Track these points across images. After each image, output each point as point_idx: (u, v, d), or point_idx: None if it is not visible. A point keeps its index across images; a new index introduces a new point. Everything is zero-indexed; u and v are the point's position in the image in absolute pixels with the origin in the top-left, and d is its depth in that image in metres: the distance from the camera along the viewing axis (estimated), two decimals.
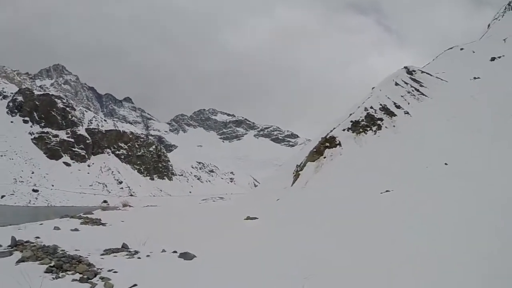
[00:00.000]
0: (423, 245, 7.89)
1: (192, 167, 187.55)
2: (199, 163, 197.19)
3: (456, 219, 9.62)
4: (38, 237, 10.33)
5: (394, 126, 33.17)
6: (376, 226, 10.46)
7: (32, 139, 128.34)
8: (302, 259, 8.09)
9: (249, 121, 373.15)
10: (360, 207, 15.24)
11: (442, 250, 7.44)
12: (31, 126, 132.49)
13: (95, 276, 7.07)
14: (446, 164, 23.08)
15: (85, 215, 17.62)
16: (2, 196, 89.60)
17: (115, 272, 7.35)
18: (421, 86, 40.00)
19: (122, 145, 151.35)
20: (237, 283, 6.89)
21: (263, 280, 6.95)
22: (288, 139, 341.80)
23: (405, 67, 44.12)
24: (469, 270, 6.30)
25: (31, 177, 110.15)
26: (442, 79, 42.04)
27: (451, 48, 60.55)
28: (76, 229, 12.85)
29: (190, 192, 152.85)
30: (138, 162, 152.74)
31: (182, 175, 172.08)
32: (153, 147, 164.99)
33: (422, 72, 43.61)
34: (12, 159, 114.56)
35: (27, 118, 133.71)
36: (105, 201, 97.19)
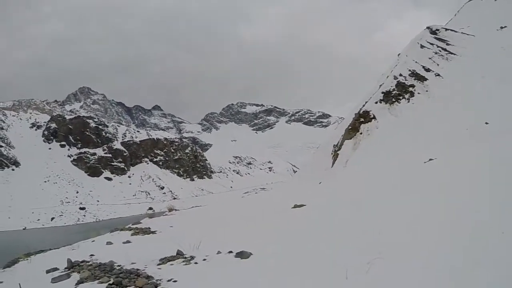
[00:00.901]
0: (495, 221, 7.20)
1: (230, 162, 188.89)
2: (236, 157, 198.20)
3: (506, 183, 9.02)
4: (92, 255, 10.38)
5: (427, 91, 32.21)
6: (433, 202, 9.84)
7: (71, 161, 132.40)
8: (363, 244, 7.72)
9: (279, 108, 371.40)
10: (408, 180, 14.73)
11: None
12: (69, 149, 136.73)
13: None
14: (486, 123, 22.24)
15: (134, 226, 17.71)
16: (52, 219, 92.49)
17: (174, 281, 7.21)
18: (447, 44, 38.58)
19: (158, 152, 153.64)
20: (298, 276, 6.62)
21: (324, 270, 6.66)
22: (321, 120, 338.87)
23: (428, 28, 42.69)
24: None
25: (76, 197, 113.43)
26: (468, 34, 40.39)
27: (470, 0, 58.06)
28: (128, 241, 12.86)
29: (231, 187, 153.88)
30: (177, 166, 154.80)
31: (221, 171, 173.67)
32: (189, 149, 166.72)
33: (446, 29, 42.05)
34: (56, 182, 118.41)
35: (63, 143, 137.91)
36: (150, 208, 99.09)
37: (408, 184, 13.80)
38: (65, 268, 9.04)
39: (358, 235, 8.52)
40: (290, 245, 8.92)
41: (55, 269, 9.09)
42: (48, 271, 8.99)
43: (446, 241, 6.61)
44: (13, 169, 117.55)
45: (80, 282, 7.83)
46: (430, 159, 17.67)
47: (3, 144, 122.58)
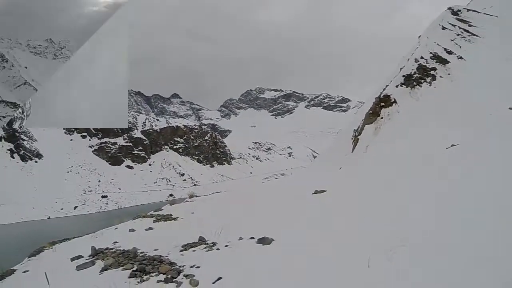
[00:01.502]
0: None
1: (249, 148, 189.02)
2: (256, 143, 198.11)
3: None
4: (116, 242, 10.50)
5: (449, 74, 31.43)
6: (454, 189, 9.58)
7: (93, 151, 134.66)
8: (384, 231, 7.60)
9: (298, 93, 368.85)
10: (429, 166, 14.40)
11: None
12: (90, 140, 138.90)
13: (178, 274, 7.01)
14: (510, 108, 21.68)
15: (156, 213, 17.73)
16: (75, 207, 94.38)
17: (197, 267, 7.26)
18: (470, 25, 37.51)
19: (178, 139, 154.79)
20: (320, 263, 6.58)
21: (345, 257, 6.59)
22: (340, 104, 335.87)
23: (449, 8, 41.56)
24: None
25: (98, 185, 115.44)
26: (490, 15, 39.22)
27: None
28: (150, 228, 12.96)
29: (251, 173, 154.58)
30: (196, 153, 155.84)
31: (240, 157, 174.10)
32: (208, 135, 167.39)
33: (468, 10, 40.87)
34: (78, 172, 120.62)
35: (84, 134, 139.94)
36: (171, 195, 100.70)
37: (429, 170, 13.53)
38: (90, 256, 9.15)
39: (379, 221, 8.41)
40: (311, 231, 8.87)
41: (80, 256, 9.21)
42: (72, 259, 9.12)
43: (469, 231, 6.46)
44: (36, 161, 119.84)
45: (104, 269, 7.93)
46: (453, 145, 17.31)
47: (25, 138, 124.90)
